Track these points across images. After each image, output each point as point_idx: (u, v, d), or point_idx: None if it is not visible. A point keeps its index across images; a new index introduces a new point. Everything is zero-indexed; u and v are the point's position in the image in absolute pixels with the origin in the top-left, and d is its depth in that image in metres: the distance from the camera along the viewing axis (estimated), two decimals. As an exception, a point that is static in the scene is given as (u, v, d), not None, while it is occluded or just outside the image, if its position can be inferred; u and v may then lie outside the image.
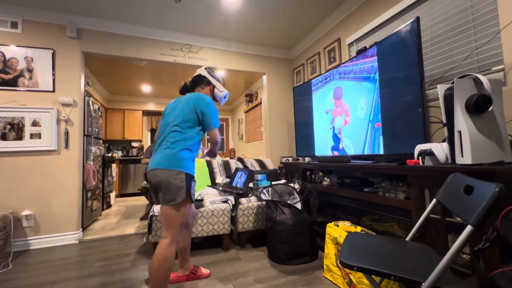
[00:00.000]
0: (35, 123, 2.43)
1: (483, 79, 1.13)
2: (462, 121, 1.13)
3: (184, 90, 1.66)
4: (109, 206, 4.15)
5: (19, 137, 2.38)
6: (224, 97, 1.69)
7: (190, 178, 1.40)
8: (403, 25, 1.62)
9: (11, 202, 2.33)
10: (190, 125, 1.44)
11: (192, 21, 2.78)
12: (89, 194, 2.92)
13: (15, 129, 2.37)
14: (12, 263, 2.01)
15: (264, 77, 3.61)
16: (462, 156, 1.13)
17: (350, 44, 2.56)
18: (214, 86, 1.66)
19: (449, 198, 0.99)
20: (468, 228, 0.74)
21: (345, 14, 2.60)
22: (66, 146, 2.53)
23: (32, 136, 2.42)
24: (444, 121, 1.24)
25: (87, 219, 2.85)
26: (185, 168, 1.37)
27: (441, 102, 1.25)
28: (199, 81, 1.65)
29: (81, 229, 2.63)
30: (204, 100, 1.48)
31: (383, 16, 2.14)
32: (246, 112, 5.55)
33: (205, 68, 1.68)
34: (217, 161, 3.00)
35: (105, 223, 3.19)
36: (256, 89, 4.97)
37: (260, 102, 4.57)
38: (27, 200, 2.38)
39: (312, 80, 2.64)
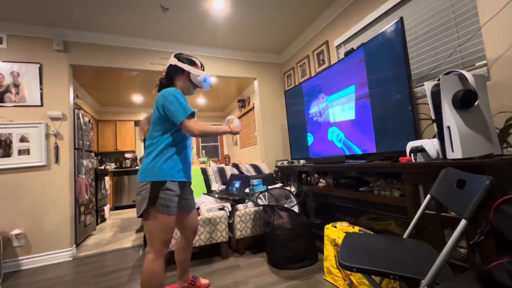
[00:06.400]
0: (23, 139, 2.37)
1: (468, 74, 1.16)
2: (450, 117, 1.15)
3: (161, 88, 1.47)
4: (103, 220, 4.06)
5: (7, 154, 2.32)
6: (204, 81, 1.47)
7: (158, 187, 1.26)
8: (388, 26, 1.66)
9: (0, 221, 2.25)
10: (160, 129, 1.34)
11: (180, 29, 2.79)
12: (82, 209, 2.85)
13: (3, 146, 2.31)
14: (2, 286, 1.94)
15: (256, 82, 3.63)
16: (453, 151, 1.15)
17: (338, 46, 2.61)
18: (189, 73, 1.45)
19: (442, 193, 1.00)
20: (463, 222, 0.74)
21: (331, 17, 2.64)
22: (57, 160, 2.47)
23: (20, 152, 2.36)
24: (433, 117, 1.26)
25: (80, 234, 2.78)
26: (151, 177, 1.27)
27: (429, 99, 1.28)
28: (173, 73, 1.46)
29: (75, 245, 2.55)
30: (162, 95, 1.32)
31: (368, 18, 2.19)
32: (239, 117, 5.55)
33: (175, 56, 1.47)
34: (212, 168, 2.98)
35: (99, 237, 3.11)
36: (248, 94, 4.99)
37: (253, 107, 4.58)
38: (17, 219, 2.31)
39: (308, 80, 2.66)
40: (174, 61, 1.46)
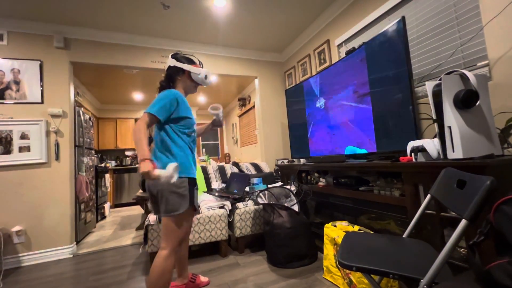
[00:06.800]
0: (23, 136, 2.37)
1: (469, 74, 1.15)
2: (451, 117, 1.15)
3: (162, 90, 1.44)
4: (103, 217, 4.07)
5: (7, 151, 2.32)
6: (205, 77, 1.49)
7: (192, 185, 1.34)
8: (389, 25, 1.65)
9: (0, 218, 2.26)
10: (173, 126, 1.36)
11: (181, 27, 2.78)
12: (82, 206, 2.86)
13: (3, 143, 2.31)
14: (3, 282, 1.94)
15: (256, 81, 3.63)
16: (453, 151, 1.14)
17: (339, 45, 2.60)
18: (189, 72, 1.46)
19: (442, 193, 1.00)
20: (463, 222, 0.74)
21: (333, 15, 2.63)
22: (57, 158, 2.47)
23: (21, 149, 2.36)
24: (434, 117, 1.26)
25: (81, 232, 2.78)
26: (186, 173, 1.30)
27: (430, 98, 1.27)
28: (174, 74, 1.46)
29: (75, 242, 2.56)
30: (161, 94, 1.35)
31: (370, 17, 2.18)
32: (239, 116, 5.54)
33: (173, 56, 1.47)
34: (212, 167, 2.98)
35: (100, 235, 3.12)
36: (249, 93, 4.98)
37: (253, 106, 4.57)
38: (18, 216, 2.31)
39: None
40: (173, 62, 1.45)
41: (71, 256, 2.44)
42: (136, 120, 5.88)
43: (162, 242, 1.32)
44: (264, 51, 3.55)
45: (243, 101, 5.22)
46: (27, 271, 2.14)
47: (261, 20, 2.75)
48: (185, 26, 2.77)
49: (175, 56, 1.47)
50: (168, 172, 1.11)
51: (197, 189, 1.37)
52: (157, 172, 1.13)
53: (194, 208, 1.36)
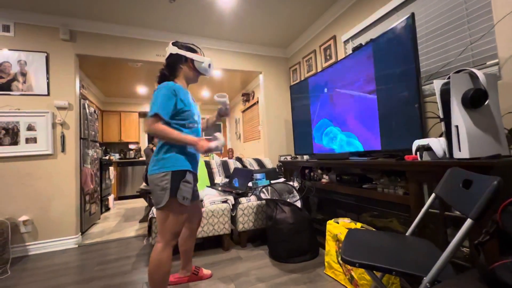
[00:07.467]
0: (30, 128, 2.40)
1: (479, 73, 1.14)
2: (459, 116, 1.14)
3: (163, 79, 1.41)
4: (107, 209, 4.12)
5: (15, 142, 2.35)
6: (209, 66, 1.45)
7: (178, 177, 1.28)
8: (398, 22, 1.63)
9: (8, 208, 2.30)
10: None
11: (187, 21, 2.77)
12: (87, 198, 2.90)
13: (10, 134, 2.34)
14: (10, 270, 1.99)
15: (261, 76, 3.61)
16: (460, 151, 1.14)
17: (346, 42, 2.57)
18: (192, 60, 1.43)
19: (448, 192, 1.00)
20: (468, 221, 0.75)
21: (340, 11, 2.60)
22: (63, 150, 2.50)
23: (27, 140, 2.39)
24: (441, 116, 1.25)
25: (85, 223, 2.83)
26: (170, 167, 1.27)
27: (437, 97, 1.26)
28: (176, 62, 1.42)
29: (80, 233, 2.61)
30: (155, 91, 1.30)
31: (378, 13, 2.14)
32: (243, 111, 5.53)
33: (173, 44, 1.42)
34: (215, 161, 2.99)
35: (104, 226, 3.17)
36: (253, 88, 4.96)
37: (257, 101, 4.56)
38: (25, 206, 2.36)
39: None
40: (175, 50, 1.40)
41: (76, 246, 2.48)
42: (140, 113, 5.91)
43: (157, 235, 1.34)
44: (269, 46, 3.53)
45: (247, 97, 5.21)
46: (33, 260, 2.19)
47: (266, 15, 2.73)
48: (191, 20, 2.76)
49: (176, 44, 1.43)
50: (220, 140, 1.36)
51: (188, 182, 1.32)
52: (213, 144, 1.34)
53: (179, 200, 1.29)
